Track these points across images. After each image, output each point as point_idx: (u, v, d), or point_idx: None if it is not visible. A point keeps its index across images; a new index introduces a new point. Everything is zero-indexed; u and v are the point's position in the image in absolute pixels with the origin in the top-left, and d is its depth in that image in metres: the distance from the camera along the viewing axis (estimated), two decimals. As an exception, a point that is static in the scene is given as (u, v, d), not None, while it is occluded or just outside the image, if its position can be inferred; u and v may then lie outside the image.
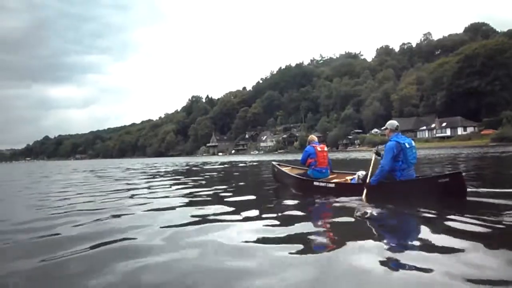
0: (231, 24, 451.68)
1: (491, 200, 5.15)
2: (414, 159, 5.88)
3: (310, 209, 5.69)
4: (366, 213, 4.51)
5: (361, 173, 6.57)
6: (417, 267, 2.70)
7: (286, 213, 5.23)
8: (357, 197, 5.82)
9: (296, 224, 4.33)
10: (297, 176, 7.72)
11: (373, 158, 6.52)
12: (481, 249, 3.03)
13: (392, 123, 6.19)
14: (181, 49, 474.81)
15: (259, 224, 4.46)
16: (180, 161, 44.61)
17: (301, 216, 4.97)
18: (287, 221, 4.56)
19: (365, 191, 5.71)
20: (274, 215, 5.03)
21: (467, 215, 4.23)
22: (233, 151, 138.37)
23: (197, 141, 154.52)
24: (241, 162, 30.73)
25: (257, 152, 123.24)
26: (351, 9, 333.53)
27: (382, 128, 6.50)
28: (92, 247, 3.57)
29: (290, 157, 42.87)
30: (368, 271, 2.67)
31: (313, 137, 7.97)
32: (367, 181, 5.98)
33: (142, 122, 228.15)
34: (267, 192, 8.18)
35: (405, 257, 2.96)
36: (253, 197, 7.17)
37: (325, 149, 7.70)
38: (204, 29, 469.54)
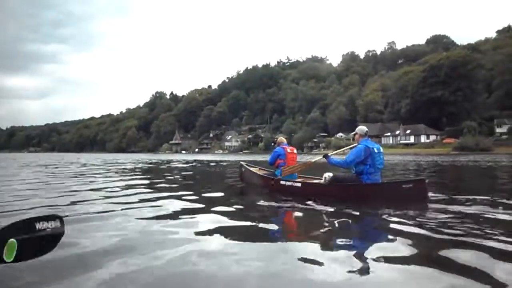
0: (197, 21, 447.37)
1: (449, 207, 5.22)
2: (381, 165, 6.09)
3: (272, 208, 5.73)
4: (345, 221, 4.49)
5: (328, 174, 6.53)
6: (363, 267, 2.77)
7: (250, 212, 5.36)
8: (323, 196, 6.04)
9: (256, 222, 4.46)
10: (264, 175, 7.90)
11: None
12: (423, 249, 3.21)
13: (362, 128, 6.35)
14: (145, 43, 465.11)
15: (221, 220, 4.51)
16: (143, 158, 42.88)
17: (262, 215, 5.11)
18: (249, 219, 4.69)
19: (321, 158, 6.22)
20: (238, 213, 5.11)
21: (424, 219, 4.44)
22: (196, 150, 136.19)
23: (160, 138, 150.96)
24: (210, 161, 29.33)
25: (221, 151, 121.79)
26: (318, 13, 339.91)
27: (351, 134, 7.37)
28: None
29: (256, 157, 42.27)
30: (316, 265, 2.77)
31: (283, 138, 8.05)
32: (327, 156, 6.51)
33: (102, 116, 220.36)
34: (233, 192, 7.97)
35: (358, 258, 2.98)
36: (219, 194, 7.20)
37: (295, 151, 7.75)
38: (170, 24, 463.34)
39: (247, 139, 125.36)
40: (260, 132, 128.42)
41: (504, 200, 5.91)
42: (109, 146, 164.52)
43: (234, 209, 5.35)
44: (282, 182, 7.00)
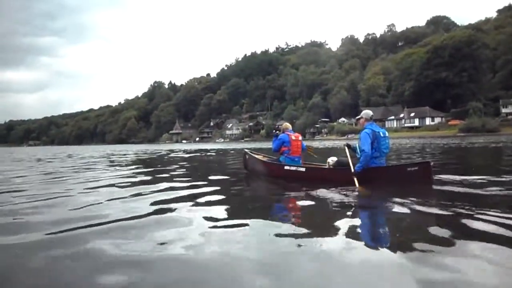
0: (194, 9, 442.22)
1: (455, 188, 5.25)
2: (387, 149, 6.06)
3: (277, 193, 5.79)
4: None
5: (331, 159, 6.65)
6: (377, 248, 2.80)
7: (255, 199, 5.44)
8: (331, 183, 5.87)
9: (262, 210, 4.54)
10: (269, 161, 7.84)
11: (347, 151, 6.47)
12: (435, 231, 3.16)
13: (367, 112, 6.34)
14: (142, 33, 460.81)
15: (224, 211, 4.33)
16: (144, 149, 41.50)
17: (268, 202, 5.14)
18: (251, 204, 4.84)
19: (355, 180, 5.66)
20: (241, 202, 5.12)
21: (430, 201, 4.45)
22: (197, 139, 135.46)
23: (160, 128, 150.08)
24: (213, 150, 28.62)
25: (222, 140, 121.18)
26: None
27: (354, 119, 6.80)
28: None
29: (258, 145, 41.58)
30: (333, 255, 2.67)
31: (288, 125, 7.78)
32: (352, 170, 5.91)
33: (101, 108, 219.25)
34: (237, 179, 7.91)
35: (366, 241, 3.02)
36: (222, 182, 7.27)
37: (300, 138, 7.52)
38: (166, 13, 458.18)
39: (248, 127, 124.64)
40: (261, 119, 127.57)
41: (509, 179, 5.95)
42: (108, 137, 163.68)
43: (235, 197, 5.44)
44: (287, 168, 6.95)
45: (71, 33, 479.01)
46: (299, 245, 2.88)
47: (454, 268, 2.33)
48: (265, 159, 8.23)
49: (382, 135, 5.92)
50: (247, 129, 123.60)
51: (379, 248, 2.80)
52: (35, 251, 2.85)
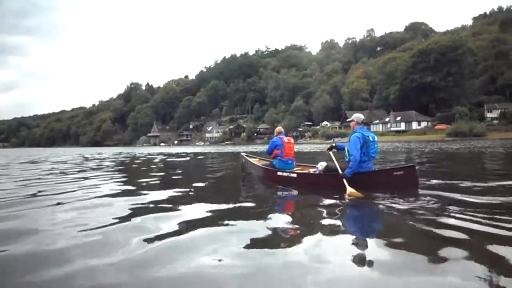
0: (172, 9, 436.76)
1: (440, 193, 5.26)
2: (375, 153, 6.07)
3: (268, 197, 6.00)
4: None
5: (321, 164, 6.79)
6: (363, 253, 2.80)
7: (246, 201, 5.39)
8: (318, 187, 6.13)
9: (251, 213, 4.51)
10: (262, 166, 8.04)
11: (332, 156, 6.69)
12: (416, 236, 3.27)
13: (359, 116, 6.27)
14: (118, 33, 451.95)
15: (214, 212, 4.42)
16: (120, 151, 39.67)
17: (257, 206, 4.99)
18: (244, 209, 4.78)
19: (346, 183, 5.65)
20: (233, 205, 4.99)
21: (414, 206, 4.46)
22: (176, 142, 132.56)
23: (137, 131, 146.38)
24: (198, 154, 26.88)
25: (202, 143, 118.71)
26: (295, 1, 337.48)
27: (348, 120, 6.85)
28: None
29: (239, 148, 40.91)
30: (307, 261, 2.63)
31: (281, 128, 7.94)
32: (341, 173, 5.95)
33: (74, 109, 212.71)
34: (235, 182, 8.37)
35: (355, 245, 3.01)
36: (218, 184, 7.79)
37: (292, 141, 7.72)
38: (143, 14, 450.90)
39: (229, 130, 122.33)
40: (241, 122, 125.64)
41: (495, 184, 6.16)
42: (83, 139, 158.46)
43: (231, 199, 5.45)
44: (279, 173, 7.11)
45: (43, 32, 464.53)
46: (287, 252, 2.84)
47: (436, 273, 2.37)
48: (260, 163, 8.62)
49: (371, 139, 5.92)
50: (228, 132, 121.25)
51: (365, 250, 2.86)
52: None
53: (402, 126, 77.38)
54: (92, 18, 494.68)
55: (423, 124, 75.50)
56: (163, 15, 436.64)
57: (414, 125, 76.01)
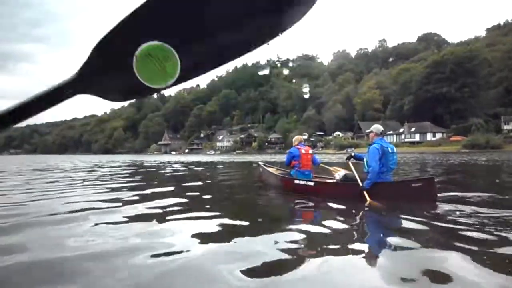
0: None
1: (459, 206, 5.21)
2: (394, 165, 6.08)
3: (286, 207, 6.13)
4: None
5: (339, 174, 6.70)
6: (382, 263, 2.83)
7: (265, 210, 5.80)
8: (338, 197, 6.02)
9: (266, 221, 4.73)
10: (279, 174, 8.11)
11: (351, 166, 6.66)
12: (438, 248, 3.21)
13: (378, 127, 6.30)
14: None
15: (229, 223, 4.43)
16: (133, 160, 39.32)
17: (274, 217, 5.16)
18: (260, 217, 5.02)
19: (366, 194, 5.67)
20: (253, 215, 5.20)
21: (432, 218, 4.42)
22: (186, 150, 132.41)
23: (148, 139, 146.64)
24: (215, 163, 26.36)
25: (213, 152, 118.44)
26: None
27: (367, 131, 6.70)
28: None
29: (250, 158, 41.11)
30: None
31: (300, 137, 7.83)
32: (361, 185, 5.94)
33: (86, 117, 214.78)
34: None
35: (363, 259, 2.99)
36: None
37: (310, 151, 7.60)
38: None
39: (240, 139, 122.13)
40: (252, 131, 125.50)
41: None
42: (94, 147, 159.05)
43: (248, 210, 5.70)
44: (296, 182, 7.07)
45: (54, 40, 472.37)
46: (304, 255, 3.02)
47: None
48: (277, 172, 8.58)
49: (390, 150, 5.93)
50: (239, 141, 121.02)
51: (382, 261, 2.88)
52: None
53: (417, 137, 76.33)
54: (102, 25, 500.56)
55: (438, 135, 74.48)
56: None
57: (429, 137, 74.98)
